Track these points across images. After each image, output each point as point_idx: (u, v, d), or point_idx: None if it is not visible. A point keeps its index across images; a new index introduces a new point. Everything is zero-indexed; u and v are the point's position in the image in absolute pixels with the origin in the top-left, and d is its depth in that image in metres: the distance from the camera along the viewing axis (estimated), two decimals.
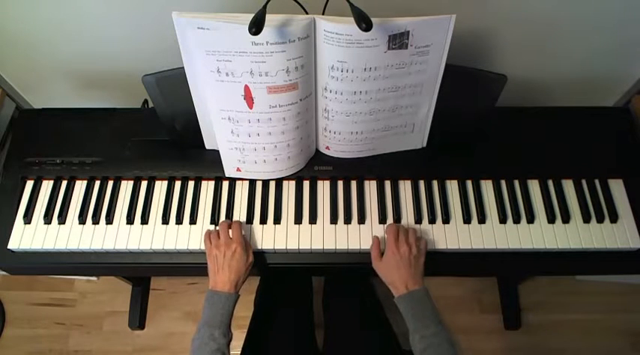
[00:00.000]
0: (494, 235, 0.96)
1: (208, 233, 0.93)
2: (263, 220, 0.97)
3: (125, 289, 1.68)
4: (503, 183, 1.01)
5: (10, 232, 0.97)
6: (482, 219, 0.97)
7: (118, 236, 0.97)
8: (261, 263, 0.96)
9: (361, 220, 0.97)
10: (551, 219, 0.97)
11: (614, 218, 0.97)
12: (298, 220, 0.97)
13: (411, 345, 0.82)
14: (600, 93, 1.21)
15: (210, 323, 0.83)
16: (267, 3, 0.71)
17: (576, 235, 0.96)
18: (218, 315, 0.84)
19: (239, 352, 1.03)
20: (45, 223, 0.98)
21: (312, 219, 0.97)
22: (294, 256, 0.97)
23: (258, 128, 0.90)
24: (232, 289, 0.87)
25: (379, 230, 0.96)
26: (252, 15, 0.70)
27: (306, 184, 1.01)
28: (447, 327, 0.81)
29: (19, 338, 1.64)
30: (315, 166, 1.02)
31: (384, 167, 1.02)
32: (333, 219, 0.97)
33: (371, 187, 1.01)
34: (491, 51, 1.07)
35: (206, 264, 0.91)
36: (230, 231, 0.92)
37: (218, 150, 0.97)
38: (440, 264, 0.97)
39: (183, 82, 0.86)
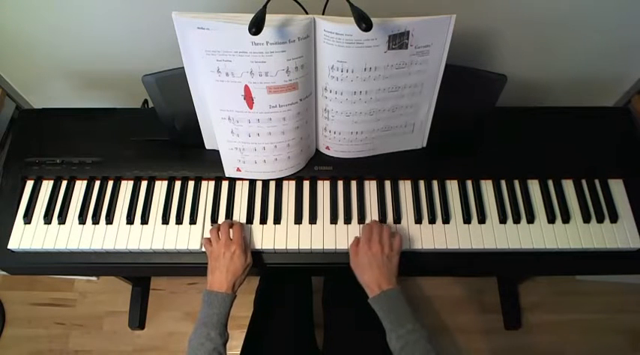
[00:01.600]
0: (494, 235, 0.96)
1: (208, 236, 0.94)
2: (263, 220, 0.97)
3: (125, 289, 1.68)
4: (503, 183, 1.01)
5: (10, 232, 0.97)
6: (482, 219, 0.97)
7: (118, 236, 0.97)
8: (261, 263, 0.96)
9: (361, 220, 0.97)
10: (551, 219, 0.97)
11: (614, 218, 0.97)
12: (298, 220, 0.97)
13: (389, 345, 0.82)
14: (600, 93, 1.21)
15: (207, 323, 0.84)
16: (267, 3, 0.71)
17: (576, 235, 0.96)
18: (215, 315, 0.84)
19: (238, 352, 1.03)
20: (45, 223, 0.98)
21: (312, 219, 0.97)
22: (294, 256, 0.97)
23: (258, 128, 0.90)
24: (229, 290, 0.87)
25: None
26: (252, 15, 0.70)
27: (306, 184, 1.01)
28: (426, 325, 0.81)
29: (19, 338, 1.64)
30: (315, 166, 1.02)
31: (384, 167, 1.02)
32: (333, 219, 0.97)
33: (371, 187, 1.01)
34: (491, 51, 1.07)
35: (206, 263, 0.91)
36: (231, 231, 0.92)
37: (218, 150, 0.97)
38: (440, 263, 0.97)
39: (183, 82, 0.86)
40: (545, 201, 0.99)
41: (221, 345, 0.83)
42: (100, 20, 1.00)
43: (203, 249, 0.94)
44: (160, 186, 1.02)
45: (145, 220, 0.98)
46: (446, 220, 0.97)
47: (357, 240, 0.93)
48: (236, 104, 0.86)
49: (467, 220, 0.97)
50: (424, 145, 1.03)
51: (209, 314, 0.84)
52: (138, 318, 1.64)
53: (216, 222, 0.98)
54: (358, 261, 0.89)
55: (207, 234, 0.96)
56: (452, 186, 1.01)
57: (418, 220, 0.97)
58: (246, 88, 0.83)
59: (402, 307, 0.83)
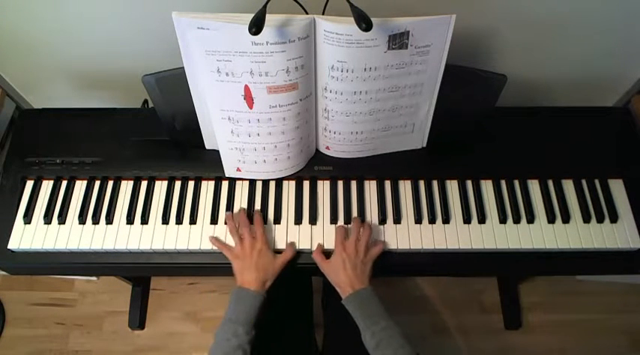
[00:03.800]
0: (494, 235, 0.96)
1: (234, 229, 0.93)
2: (263, 220, 0.97)
3: (125, 289, 1.68)
4: (503, 183, 1.01)
5: (10, 232, 0.97)
6: (482, 219, 0.97)
7: (118, 236, 0.97)
8: None
9: (361, 220, 0.97)
10: (551, 219, 0.97)
11: (614, 218, 0.97)
12: (298, 220, 0.97)
13: (364, 344, 0.83)
14: (600, 93, 1.21)
15: (235, 320, 0.83)
16: (267, 3, 0.71)
17: (576, 235, 0.96)
18: (243, 313, 0.84)
19: None
20: (45, 223, 0.98)
21: (312, 220, 0.97)
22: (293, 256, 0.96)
23: (258, 128, 0.90)
24: (260, 288, 0.87)
25: (379, 230, 0.96)
26: (252, 15, 0.70)
27: (306, 184, 1.01)
28: (397, 323, 0.83)
29: (19, 338, 1.64)
30: (315, 166, 1.02)
31: (384, 167, 1.02)
32: (333, 219, 0.97)
33: (371, 187, 1.01)
34: (491, 51, 1.08)
35: (207, 264, 0.92)
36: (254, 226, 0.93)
37: (218, 150, 0.97)
38: (440, 264, 0.97)
39: (183, 82, 0.86)
40: (545, 201, 0.99)
41: (246, 342, 0.82)
42: (100, 20, 1.00)
43: (203, 247, 0.94)
44: (160, 186, 1.02)
45: (145, 220, 0.98)
46: (446, 220, 0.97)
47: (319, 245, 0.93)
48: (236, 104, 0.86)
49: (467, 220, 0.97)
50: (424, 145, 1.03)
51: (238, 311, 0.84)
52: (138, 318, 1.64)
53: (216, 222, 0.98)
54: (331, 262, 0.90)
55: (207, 234, 0.96)
56: (452, 186, 1.01)
57: (418, 220, 0.97)
58: (246, 88, 0.83)
59: (375, 306, 0.84)
